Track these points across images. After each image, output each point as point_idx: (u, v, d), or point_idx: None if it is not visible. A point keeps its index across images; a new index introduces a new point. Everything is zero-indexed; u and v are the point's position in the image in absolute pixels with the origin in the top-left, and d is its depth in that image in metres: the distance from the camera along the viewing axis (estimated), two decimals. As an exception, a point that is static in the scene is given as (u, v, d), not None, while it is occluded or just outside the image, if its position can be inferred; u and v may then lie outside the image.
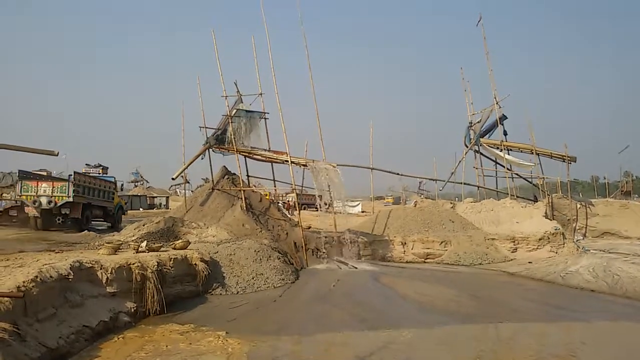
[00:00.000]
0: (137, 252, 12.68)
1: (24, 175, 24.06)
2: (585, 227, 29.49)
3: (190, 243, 15.23)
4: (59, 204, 23.02)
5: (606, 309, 13.80)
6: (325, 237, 19.98)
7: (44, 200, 22.77)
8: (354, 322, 11.59)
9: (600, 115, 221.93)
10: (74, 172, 24.84)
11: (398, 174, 28.97)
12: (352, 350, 9.56)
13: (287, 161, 20.63)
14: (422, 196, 49.15)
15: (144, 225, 18.41)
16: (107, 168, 35.81)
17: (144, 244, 13.61)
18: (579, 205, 30.37)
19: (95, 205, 25.88)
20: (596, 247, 23.92)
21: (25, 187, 23.11)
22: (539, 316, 12.88)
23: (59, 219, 23.50)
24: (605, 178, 61.93)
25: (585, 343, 11.00)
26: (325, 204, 22.00)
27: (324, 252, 19.45)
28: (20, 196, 23.21)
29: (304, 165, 21.03)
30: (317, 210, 24.08)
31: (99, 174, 31.59)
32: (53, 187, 23.10)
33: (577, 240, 24.88)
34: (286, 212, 24.01)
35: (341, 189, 20.73)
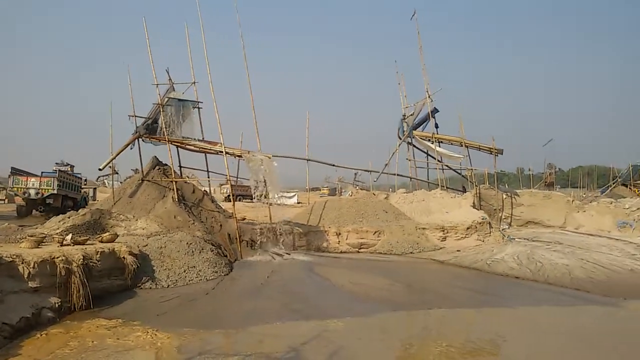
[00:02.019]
0: (61, 246, 12.09)
1: (15, 172, 28.15)
2: (511, 217, 30.73)
3: (118, 236, 14.69)
4: (45, 195, 27.50)
5: (529, 294, 14.42)
6: (260, 228, 19.82)
7: (32, 192, 27.31)
8: (287, 313, 11.54)
9: (525, 110, 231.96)
10: (58, 170, 30.73)
11: (333, 165, 29.07)
12: (285, 341, 9.48)
13: (222, 152, 20.24)
14: (357, 187, 49.61)
15: (69, 218, 17.57)
16: (74, 166, 39.74)
17: (69, 237, 12.99)
18: (505, 196, 31.58)
19: (69, 197, 30.54)
20: (521, 235, 24.97)
21: (16, 181, 27.67)
22: (466, 302, 13.31)
23: (40, 208, 28.04)
24: (530, 170, 64.62)
25: (510, 327, 11.47)
26: (261, 195, 21.81)
27: (258, 244, 19.30)
28: (11, 189, 27.98)
29: (238, 156, 20.71)
30: (252, 202, 23.81)
31: (68, 171, 35.83)
32: (40, 181, 27.65)
33: (502, 229, 25.86)
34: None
35: (277, 180, 20.59)
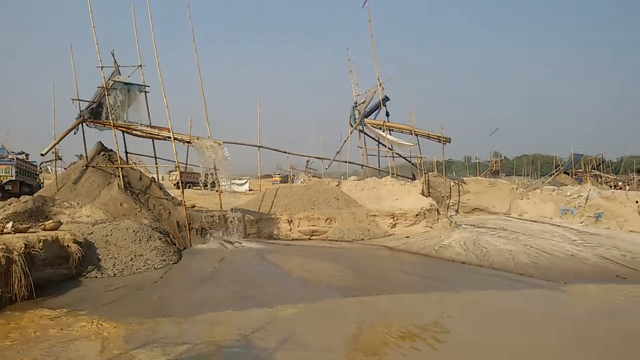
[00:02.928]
0: (1, 234, 11.58)
1: None
2: (458, 204, 31.48)
3: (62, 224, 14.19)
4: (4, 182, 28.78)
5: (475, 279, 14.83)
6: (211, 215, 19.55)
7: None
8: (238, 300, 11.45)
9: (472, 99, 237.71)
10: (15, 158, 31.03)
11: (285, 152, 29.04)
12: (235, 329, 9.42)
13: (170, 137, 19.78)
14: (309, 175, 49.70)
15: (9, 205, 16.82)
16: (29, 155, 39.24)
17: (9, 224, 12.42)
18: (452, 183, 32.32)
19: (26, 183, 31.69)
20: (467, 222, 25.62)
21: None
22: (415, 287, 13.57)
23: None
24: (476, 158, 66.14)
25: (456, 311, 11.77)
26: (211, 183, 21.50)
27: (208, 231, 19.04)
28: None
29: (187, 142, 20.29)
30: (202, 189, 23.44)
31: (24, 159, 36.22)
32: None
33: (450, 216, 26.47)
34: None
35: (227, 167, 20.33)
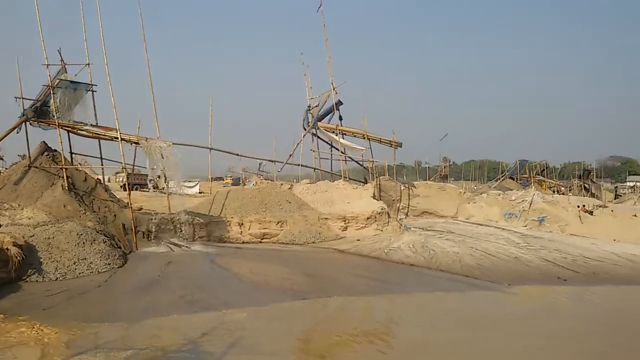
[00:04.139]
0: None
1: None
2: (408, 207, 31.95)
3: (1, 226, 13.66)
4: None
5: (423, 281, 15.09)
6: (158, 218, 19.14)
7: None
8: (185, 305, 11.25)
9: (424, 106, 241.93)
10: None
11: (237, 154, 28.63)
12: (182, 333, 9.27)
13: (117, 138, 19.28)
14: (261, 177, 49.38)
15: (-57, 208, 16.04)
16: None
17: (-59, 227, 11.86)
18: (403, 187, 32.76)
19: None
20: (416, 225, 26.04)
21: None
22: (365, 290, 13.68)
23: None
24: (426, 163, 67.52)
25: (405, 312, 11.94)
26: (160, 185, 21.04)
27: (156, 235, 18.63)
28: None
29: (135, 142, 19.81)
30: (150, 191, 22.94)
31: None
32: None
33: (400, 219, 26.81)
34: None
35: (177, 169, 19.94)
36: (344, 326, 10.37)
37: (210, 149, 25.80)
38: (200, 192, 42.21)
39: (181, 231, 19.23)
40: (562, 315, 12.08)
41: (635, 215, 28.48)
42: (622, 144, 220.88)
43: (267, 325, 10.22)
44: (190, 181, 42.93)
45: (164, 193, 20.04)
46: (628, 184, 75.90)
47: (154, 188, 20.27)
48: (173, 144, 19.94)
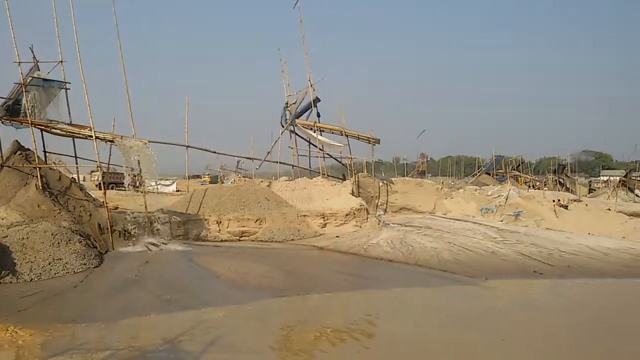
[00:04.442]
0: None
1: None
2: (386, 203, 32.07)
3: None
4: None
5: (402, 276, 15.20)
6: (135, 217, 18.90)
7: None
8: (163, 304, 11.16)
9: (402, 102, 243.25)
10: None
11: (215, 152, 28.54)
12: (160, 333, 9.20)
13: (91, 136, 18.96)
14: (239, 175, 49.12)
15: None
16: None
17: None
18: (381, 184, 32.91)
19: None
20: (395, 221, 26.17)
21: None
22: (344, 286, 13.73)
23: None
24: (404, 159, 67.71)
25: (384, 307, 12.01)
26: (136, 183, 20.79)
27: (132, 234, 18.39)
28: None
29: (110, 141, 19.51)
30: (126, 190, 22.65)
31: None
32: None
33: (378, 215, 26.93)
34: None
35: (153, 167, 19.70)
36: (323, 323, 10.39)
37: (187, 146, 25.66)
38: (177, 191, 41.70)
39: (158, 230, 19.02)
40: (538, 309, 12.30)
41: (609, 209, 29.09)
42: (596, 139, 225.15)
43: (246, 323, 10.19)
44: (167, 179, 42.47)
45: (140, 192, 19.79)
46: (602, 178, 77.19)
47: (130, 187, 20.01)
48: (149, 141, 19.71)
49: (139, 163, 18.95)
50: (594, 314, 12.08)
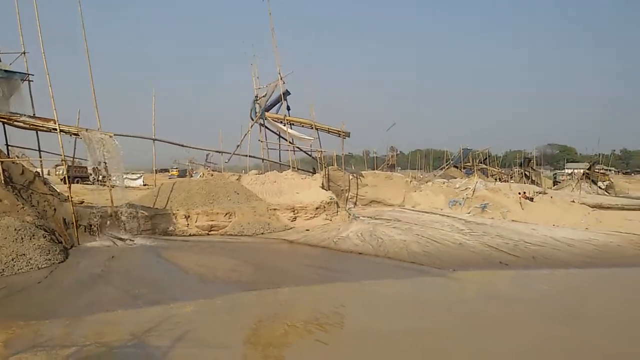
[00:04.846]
0: None
1: None
2: (356, 196, 32.24)
3: None
4: None
5: (371, 269, 15.29)
6: (101, 212, 18.56)
7: None
8: (130, 299, 10.99)
9: (372, 95, 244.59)
10: None
11: (183, 145, 28.18)
12: (128, 328, 9.08)
13: (55, 129, 18.52)
14: (208, 169, 48.68)
15: None
16: None
17: None
18: (351, 177, 33.06)
19: None
20: (365, 214, 26.34)
21: None
22: (314, 279, 13.74)
23: None
24: (374, 152, 68.20)
25: (354, 300, 12.07)
26: (102, 177, 20.39)
27: (98, 229, 18.07)
28: None
29: (75, 134, 19.09)
30: (91, 184, 22.23)
31: None
32: None
33: (348, 209, 27.08)
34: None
35: (119, 161, 19.35)
36: (293, 316, 10.41)
37: (154, 139, 25.32)
38: (144, 185, 41.16)
39: (125, 225, 18.72)
40: (503, 299, 12.54)
41: (573, 201, 29.80)
42: (560, 132, 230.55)
43: (216, 317, 10.13)
44: (133, 173, 41.85)
45: (106, 186, 19.44)
46: (566, 171, 79.06)
47: (96, 181, 19.64)
48: (115, 135, 19.36)
49: (104, 157, 18.60)
50: (558, 303, 12.35)
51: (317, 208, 23.07)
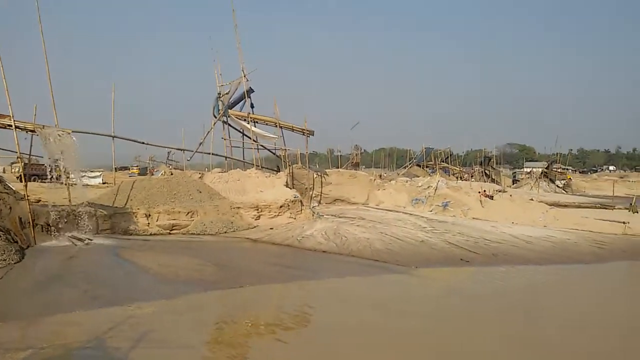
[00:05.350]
0: None
1: None
2: (321, 195, 32.28)
3: None
4: None
5: (335, 267, 15.34)
6: (58, 211, 18.07)
7: None
8: (89, 300, 10.74)
9: (337, 94, 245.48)
10: None
11: (143, 142, 27.69)
12: (87, 330, 8.89)
13: (11, 125, 17.96)
14: (170, 167, 48.01)
15: None
16: None
17: None
18: (315, 175, 33.08)
19: None
20: (329, 212, 26.41)
21: None
22: (278, 278, 13.72)
23: None
24: (339, 151, 68.66)
25: (318, 298, 12.10)
26: (59, 175, 19.86)
27: (56, 228, 17.59)
28: None
29: (31, 131, 18.58)
30: (49, 182, 21.62)
31: None
32: None
33: (313, 207, 27.11)
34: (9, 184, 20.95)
35: (77, 158, 18.88)
36: (256, 315, 10.37)
37: (114, 137, 24.80)
38: (104, 183, 40.29)
39: (83, 224, 18.27)
40: (463, 295, 12.79)
41: (531, 199, 30.59)
42: (519, 132, 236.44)
43: (177, 318, 9.98)
44: (92, 171, 40.92)
45: (64, 184, 18.94)
46: (525, 169, 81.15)
47: (54, 179, 19.12)
48: (73, 131, 18.88)
49: (62, 154, 18.12)
50: (516, 299, 12.66)
51: (281, 206, 23.00)
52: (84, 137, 20.64)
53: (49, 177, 18.81)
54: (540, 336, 9.60)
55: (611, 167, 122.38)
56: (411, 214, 26.36)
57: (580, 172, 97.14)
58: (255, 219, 22.32)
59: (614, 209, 31.80)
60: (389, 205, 30.51)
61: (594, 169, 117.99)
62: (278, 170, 32.88)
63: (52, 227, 17.49)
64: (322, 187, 32.82)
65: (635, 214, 25.27)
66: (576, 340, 9.49)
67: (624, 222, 22.87)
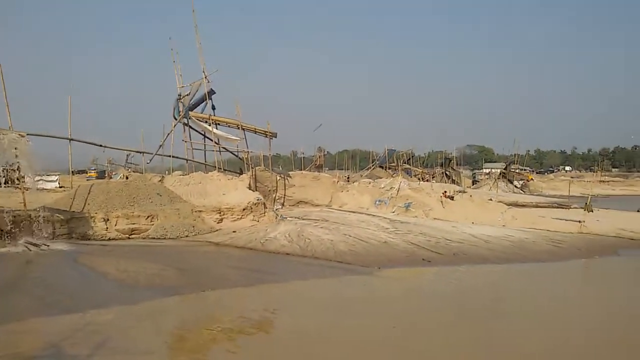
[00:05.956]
0: None
1: None
2: (284, 197, 32.16)
3: None
4: None
5: (299, 269, 15.33)
6: (12, 216, 17.46)
7: None
8: (45, 307, 10.41)
9: (299, 96, 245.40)
10: None
11: (101, 145, 27.08)
12: (43, 338, 8.65)
13: (-38, 128, 17.33)
14: (129, 170, 47.04)
15: None
16: None
17: None
18: (279, 177, 32.94)
19: None
20: (292, 214, 26.31)
21: None
22: (241, 281, 13.60)
23: None
24: (302, 153, 68.65)
25: (282, 301, 12.03)
26: (13, 179, 19.24)
27: (9, 234, 16.99)
28: None
29: (-17, 134, 17.93)
30: (1, 186, 20.91)
31: None
32: None
33: (276, 209, 26.97)
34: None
35: (32, 162, 18.32)
36: (220, 319, 10.26)
37: (70, 139, 24.19)
38: (60, 187, 39.22)
39: (39, 229, 17.70)
40: (424, 294, 13.02)
41: (490, 200, 31.17)
42: (479, 133, 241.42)
43: (137, 324, 9.77)
44: (49, 175, 39.75)
45: (19, 188, 18.34)
46: (484, 170, 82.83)
47: (7, 183, 18.49)
48: (27, 134, 18.31)
49: (16, 157, 17.54)
50: (476, 298, 12.89)
51: (244, 209, 22.80)
52: (40, 140, 20.09)
53: (3, 181, 18.21)
54: (499, 334, 9.82)
55: (567, 168, 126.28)
56: (374, 215, 26.52)
57: (537, 173, 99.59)
58: (218, 222, 22.06)
59: (570, 208, 32.67)
60: (352, 207, 30.60)
61: (551, 169, 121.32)
62: (241, 173, 32.58)
63: (6, 233, 16.89)
64: (285, 189, 32.69)
65: (590, 213, 25.96)
66: (533, 334, 9.70)
67: (579, 221, 23.50)
